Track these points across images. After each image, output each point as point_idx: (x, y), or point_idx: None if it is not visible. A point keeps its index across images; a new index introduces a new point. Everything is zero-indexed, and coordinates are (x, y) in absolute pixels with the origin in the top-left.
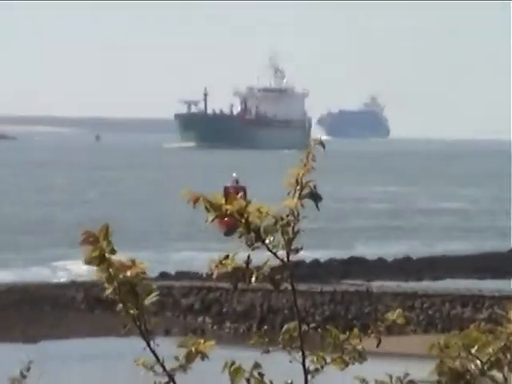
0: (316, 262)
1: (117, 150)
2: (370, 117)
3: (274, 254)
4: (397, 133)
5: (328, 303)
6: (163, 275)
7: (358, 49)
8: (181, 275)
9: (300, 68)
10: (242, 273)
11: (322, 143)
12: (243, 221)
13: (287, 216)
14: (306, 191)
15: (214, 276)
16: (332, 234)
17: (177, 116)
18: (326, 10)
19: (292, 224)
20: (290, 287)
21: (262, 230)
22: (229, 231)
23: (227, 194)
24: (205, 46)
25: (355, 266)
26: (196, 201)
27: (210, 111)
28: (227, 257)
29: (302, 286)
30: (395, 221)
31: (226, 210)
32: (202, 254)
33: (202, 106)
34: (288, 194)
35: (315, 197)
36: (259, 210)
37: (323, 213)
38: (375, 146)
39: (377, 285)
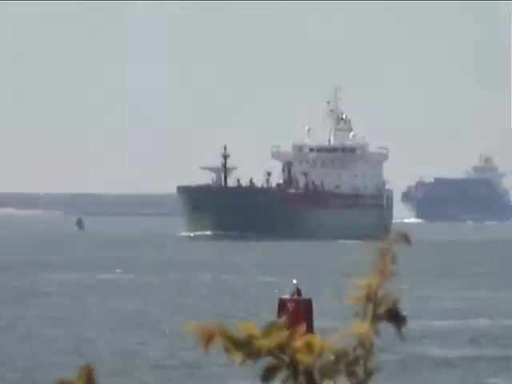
0: None
1: (106, 241)
2: (482, 188)
3: None
4: None
5: None
6: None
7: (460, 85)
8: None
9: (372, 116)
10: None
11: (406, 237)
12: (287, 359)
13: (355, 349)
14: (382, 310)
15: None
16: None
17: (181, 190)
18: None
19: (363, 361)
20: None
21: (316, 371)
22: (266, 375)
23: (284, 309)
24: (230, 81)
25: None
26: (209, 340)
27: (232, 182)
28: None
29: None
30: None
31: (260, 347)
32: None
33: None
34: (356, 314)
35: (397, 319)
36: (309, 344)
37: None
38: (491, 232)
39: None
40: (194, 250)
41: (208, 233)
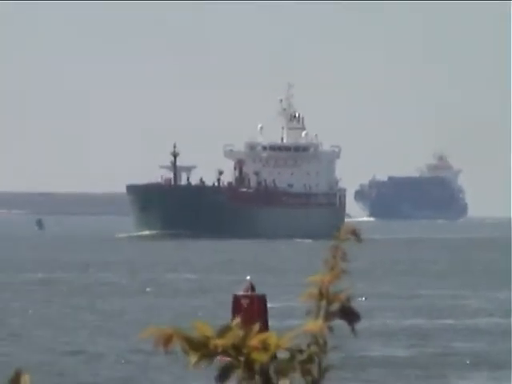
0: None
1: (65, 241)
2: (437, 186)
3: None
4: (478, 211)
5: None
6: None
7: (410, 84)
8: None
9: (325, 115)
10: None
11: (356, 234)
12: (243, 359)
13: (309, 347)
14: (335, 307)
15: None
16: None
17: (130, 189)
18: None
19: (317, 359)
20: None
21: (271, 370)
22: (222, 375)
23: (238, 305)
24: (183, 83)
25: None
26: (168, 341)
27: (182, 181)
28: None
29: None
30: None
31: (216, 346)
32: None
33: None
34: (308, 313)
35: (350, 315)
36: (265, 341)
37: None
38: (445, 231)
39: None
40: (140, 251)
41: (155, 232)
